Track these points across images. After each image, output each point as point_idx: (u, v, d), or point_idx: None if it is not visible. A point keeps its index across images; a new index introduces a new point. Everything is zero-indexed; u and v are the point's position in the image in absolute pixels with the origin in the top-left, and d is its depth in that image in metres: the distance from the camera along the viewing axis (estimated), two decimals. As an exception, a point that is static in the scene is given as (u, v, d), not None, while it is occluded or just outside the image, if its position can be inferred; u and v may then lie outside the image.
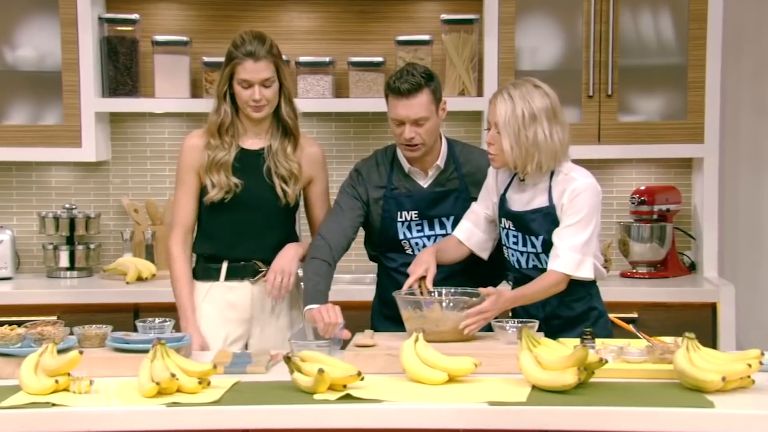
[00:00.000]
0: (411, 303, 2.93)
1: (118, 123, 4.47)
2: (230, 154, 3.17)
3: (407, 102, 3.11)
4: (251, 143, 3.22)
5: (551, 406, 2.41)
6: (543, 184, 3.04)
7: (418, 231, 3.26)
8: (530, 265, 3.07)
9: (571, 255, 2.95)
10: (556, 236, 2.98)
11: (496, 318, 2.92)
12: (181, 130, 4.40)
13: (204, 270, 3.27)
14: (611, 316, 3.08)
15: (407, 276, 3.14)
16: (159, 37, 4.32)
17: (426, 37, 4.31)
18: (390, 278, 3.29)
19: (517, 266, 3.11)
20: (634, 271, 4.31)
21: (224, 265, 3.23)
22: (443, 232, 3.25)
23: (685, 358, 2.53)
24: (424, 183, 3.26)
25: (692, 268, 4.39)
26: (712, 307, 4.00)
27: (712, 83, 4.19)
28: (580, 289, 3.05)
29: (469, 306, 2.90)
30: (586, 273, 2.97)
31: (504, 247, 3.14)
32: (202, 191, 3.21)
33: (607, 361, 2.58)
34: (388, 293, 3.20)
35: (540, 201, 3.04)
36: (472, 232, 3.17)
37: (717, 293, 4.01)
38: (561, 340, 2.78)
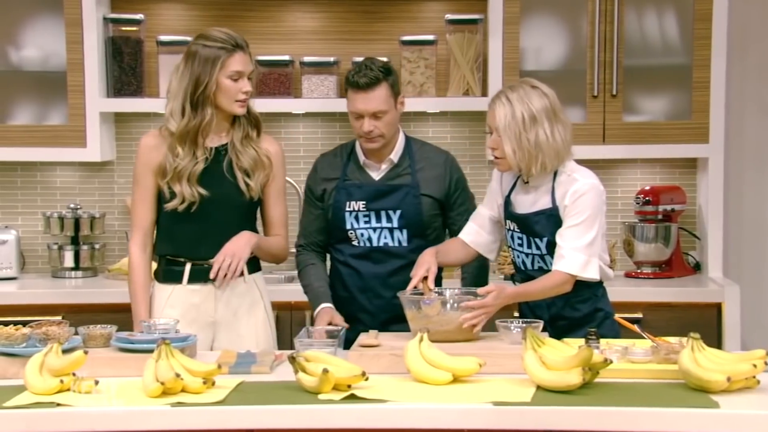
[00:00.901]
0: (415, 303, 2.93)
1: (122, 123, 4.47)
2: (200, 162, 3.12)
3: (365, 96, 3.18)
4: (212, 141, 3.17)
5: (556, 406, 2.41)
6: (546, 185, 3.04)
7: (366, 222, 3.29)
8: (536, 267, 3.07)
9: (577, 255, 2.94)
10: (560, 237, 2.97)
11: (501, 318, 2.92)
12: (185, 130, 4.41)
13: (166, 273, 3.23)
14: (616, 316, 3.07)
15: (353, 269, 3.26)
16: (163, 37, 4.33)
17: (430, 37, 4.31)
18: (337, 271, 3.36)
19: (522, 267, 3.10)
20: (638, 271, 4.30)
21: (187, 268, 3.18)
22: (389, 225, 3.29)
23: (690, 358, 2.53)
24: (377, 176, 3.32)
25: (697, 268, 4.38)
26: (717, 308, 4.00)
27: (717, 83, 4.18)
28: (585, 291, 3.05)
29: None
30: (592, 274, 2.96)
31: (510, 249, 3.14)
32: (160, 193, 3.17)
33: (611, 362, 2.57)
34: (336, 289, 3.32)
35: (543, 203, 3.04)
36: (478, 233, 3.17)
37: (722, 293, 4.01)
38: (566, 340, 2.78)
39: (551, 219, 3.00)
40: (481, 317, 2.89)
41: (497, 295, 2.89)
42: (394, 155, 3.31)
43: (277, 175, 3.25)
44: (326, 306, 3.25)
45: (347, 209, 3.29)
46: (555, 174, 3.03)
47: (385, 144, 3.27)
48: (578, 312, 3.06)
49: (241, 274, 3.17)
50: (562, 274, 2.95)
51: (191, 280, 3.19)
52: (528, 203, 3.07)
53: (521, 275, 3.13)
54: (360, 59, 4.27)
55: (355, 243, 3.31)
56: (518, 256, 3.11)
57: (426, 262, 3.05)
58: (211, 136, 3.17)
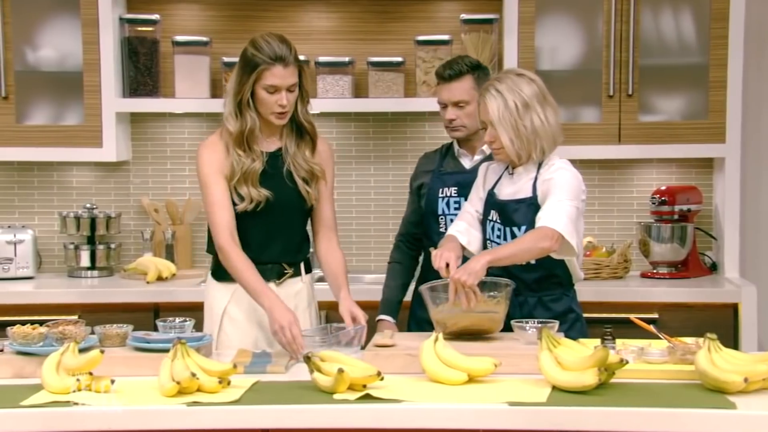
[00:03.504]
0: (436, 297, 2.93)
1: (138, 123, 4.49)
2: (257, 163, 3.12)
3: (448, 86, 3.40)
4: (267, 145, 3.19)
5: (571, 406, 2.40)
6: (530, 175, 3.06)
7: (455, 208, 3.42)
8: None
9: (563, 217, 2.93)
10: (542, 209, 2.96)
11: (515, 319, 2.93)
12: (200, 130, 4.42)
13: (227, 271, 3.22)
14: (632, 316, 3.06)
15: None
16: (179, 38, 4.34)
17: (445, 37, 4.30)
18: (427, 259, 3.42)
19: None
20: (654, 271, 4.28)
21: None
22: None
23: (707, 358, 2.52)
24: (469, 164, 3.47)
25: (713, 268, 4.36)
26: (734, 308, 3.98)
27: (733, 83, 4.16)
28: (557, 289, 3.08)
29: (493, 287, 2.90)
30: (572, 240, 2.94)
31: (488, 242, 3.13)
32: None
33: (627, 362, 2.57)
34: (427, 277, 3.32)
35: (525, 191, 3.06)
36: (471, 234, 3.15)
37: (738, 294, 3.99)
38: (581, 340, 2.78)
39: (531, 208, 3.02)
40: (464, 292, 2.84)
41: (467, 266, 2.86)
42: (487, 147, 3.36)
43: (328, 174, 3.26)
44: (383, 319, 3.49)
45: (440, 195, 3.45)
46: (539, 165, 3.05)
47: (469, 134, 3.43)
48: (550, 312, 3.06)
49: (298, 274, 3.23)
50: (547, 228, 2.91)
51: None
52: (511, 192, 3.09)
53: (494, 270, 3.10)
54: (375, 60, 4.31)
55: (441, 229, 3.42)
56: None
57: (456, 249, 3.01)
58: (267, 138, 3.18)
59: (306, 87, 3.17)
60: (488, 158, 3.38)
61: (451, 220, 3.36)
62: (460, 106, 3.39)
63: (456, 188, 3.43)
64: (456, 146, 3.51)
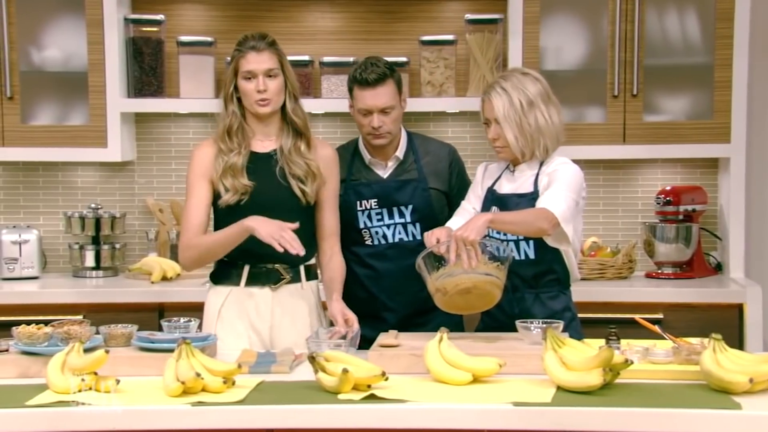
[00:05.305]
0: (436, 262, 2.91)
1: (143, 123, 4.49)
2: (241, 156, 3.13)
3: (373, 92, 3.25)
4: (261, 146, 3.19)
5: (576, 407, 2.40)
6: (531, 171, 3.08)
7: (378, 220, 3.34)
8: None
9: (564, 206, 2.93)
10: (545, 194, 2.97)
11: (520, 319, 2.93)
12: (205, 131, 4.42)
13: (224, 273, 3.20)
14: (636, 316, 3.06)
15: (367, 267, 3.31)
16: (184, 38, 4.34)
17: (450, 37, 4.31)
18: (354, 273, 3.35)
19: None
20: (659, 271, 4.28)
21: (245, 270, 3.16)
22: (402, 220, 3.34)
23: (712, 359, 2.51)
24: (384, 173, 3.37)
25: (718, 268, 4.36)
26: (739, 308, 3.98)
27: (738, 83, 4.15)
28: (555, 286, 3.08)
29: (494, 255, 2.90)
30: (567, 229, 2.94)
31: (487, 237, 3.12)
32: (215, 199, 3.16)
33: (632, 362, 2.57)
34: (355, 291, 3.31)
35: (526, 187, 3.08)
36: None
37: (743, 294, 3.98)
38: (586, 341, 2.77)
39: (532, 203, 3.03)
40: (465, 250, 2.83)
41: (469, 222, 2.87)
42: (399, 152, 3.38)
43: (331, 179, 3.24)
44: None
45: (359, 208, 3.34)
46: (541, 164, 3.07)
47: (391, 141, 3.32)
48: (548, 309, 3.06)
49: (297, 280, 3.20)
50: (547, 210, 2.92)
51: (249, 283, 3.16)
52: (512, 188, 3.11)
53: None
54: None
55: (368, 242, 3.35)
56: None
57: (449, 230, 3.00)
58: (259, 139, 3.18)
59: (291, 81, 3.18)
60: (402, 164, 3.36)
61: (377, 233, 3.33)
62: (386, 111, 3.25)
63: (376, 200, 3.33)
64: (367, 155, 3.36)
